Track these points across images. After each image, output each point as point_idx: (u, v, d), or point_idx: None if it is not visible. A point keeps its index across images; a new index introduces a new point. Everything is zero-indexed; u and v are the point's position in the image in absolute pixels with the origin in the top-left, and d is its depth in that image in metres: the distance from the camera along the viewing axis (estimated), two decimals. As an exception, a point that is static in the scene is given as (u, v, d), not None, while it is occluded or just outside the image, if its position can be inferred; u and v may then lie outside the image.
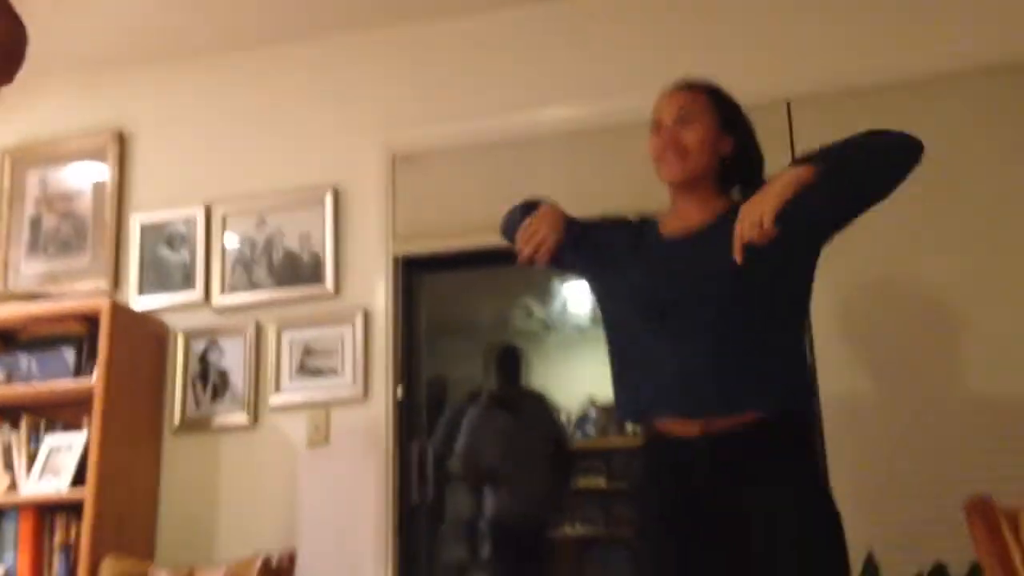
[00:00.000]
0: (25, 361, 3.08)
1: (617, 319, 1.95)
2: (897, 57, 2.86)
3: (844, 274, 2.74)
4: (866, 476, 2.61)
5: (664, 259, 1.89)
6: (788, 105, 2.91)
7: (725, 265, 1.70)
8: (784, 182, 1.67)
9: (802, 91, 2.91)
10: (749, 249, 1.65)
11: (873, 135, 1.81)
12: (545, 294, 5.66)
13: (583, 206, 3.00)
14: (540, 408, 4.37)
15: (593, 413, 5.78)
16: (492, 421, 4.25)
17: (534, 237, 1.88)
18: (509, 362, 4.49)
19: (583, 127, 3.09)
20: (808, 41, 2.96)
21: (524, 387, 4.55)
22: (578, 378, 5.56)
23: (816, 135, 2.83)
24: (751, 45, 3.01)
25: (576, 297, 5.58)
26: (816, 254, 1.88)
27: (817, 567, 1.67)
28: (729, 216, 1.85)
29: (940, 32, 2.86)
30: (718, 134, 1.92)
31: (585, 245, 2.00)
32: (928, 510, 2.52)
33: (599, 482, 5.60)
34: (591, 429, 5.79)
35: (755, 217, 1.63)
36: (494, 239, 3.07)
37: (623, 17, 3.15)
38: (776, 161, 2.81)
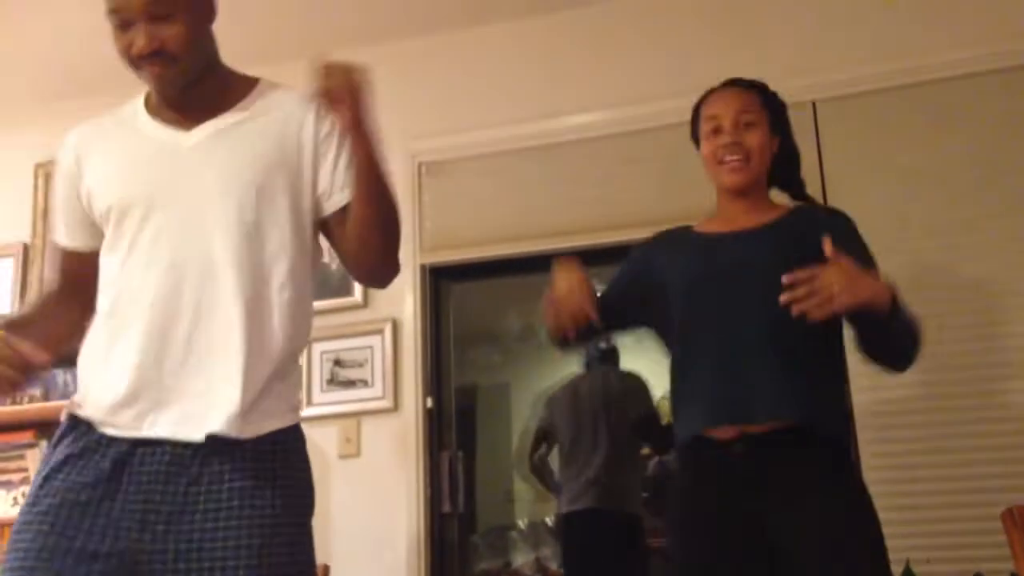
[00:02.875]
0: (61, 377, 3.13)
1: (676, 330, 1.89)
2: (923, 56, 2.84)
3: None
4: (903, 485, 2.57)
5: (711, 250, 1.86)
6: (814, 105, 2.89)
7: (777, 265, 1.65)
8: (875, 296, 1.59)
9: (828, 91, 2.89)
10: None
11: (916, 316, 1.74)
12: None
13: (608, 212, 3.02)
14: (628, 384, 4.09)
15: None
16: (567, 401, 4.07)
17: (565, 308, 1.79)
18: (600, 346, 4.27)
19: (607, 134, 3.09)
20: (833, 41, 2.94)
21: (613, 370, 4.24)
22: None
23: (842, 135, 2.84)
24: (776, 46, 2.99)
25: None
26: None
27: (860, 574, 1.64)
28: (791, 219, 1.83)
29: (965, 31, 2.83)
30: (771, 135, 1.90)
31: (624, 298, 1.97)
32: (967, 519, 2.49)
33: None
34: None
35: (834, 291, 1.55)
36: (520, 247, 3.11)
37: (645, 23, 3.15)
38: (803, 161, 2.80)
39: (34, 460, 3.05)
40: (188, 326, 1.42)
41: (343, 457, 3.06)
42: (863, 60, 2.88)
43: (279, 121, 1.55)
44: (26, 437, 3.10)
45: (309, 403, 3.13)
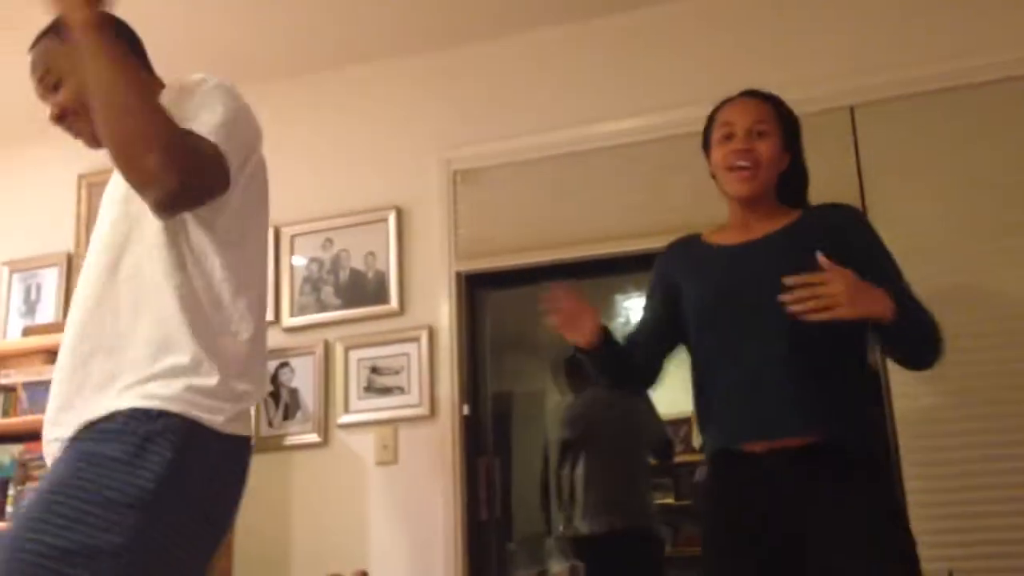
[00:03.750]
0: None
1: (697, 346, 1.90)
2: (962, 59, 2.80)
3: (918, 285, 2.68)
4: (945, 496, 2.53)
5: (725, 263, 1.86)
6: (852, 110, 2.86)
7: (797, 266, 1.66)
8: (874, 308, 1.63)
9: (866, 96, 2.86)
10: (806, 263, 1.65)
11: (927, 315, 1.76)
12: (607, 308, 5.64)
13: (643, 218, 3.01)
14: (646, 409, 4.22)
15: (659, 428, 5.72)
16: (589, 415, 4.13)
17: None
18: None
19: (641, 140, 3.08)
20: (871, 45, 2.91)
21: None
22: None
23: (880, 140, 2.82)
24: (813, 51, 2.97)
25: (639, 312, 5.54)
26: None
27: None
28: (802, 224, 1.82)
29: (1005, 34, 2.79)
30: (783, 148, 1.89)
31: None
32: (1009, 530, 2.45)
33: (667, 499, 5.53)
34: (657, 444, 5.73)
35: (836, 301, 1.59)
36: (555, 254, 3.11)
37: (678, 30, 3.14)
38: (840, 167, 2.79)
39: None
40: None
41: (380, 464, 3.08)
42: (902, 64, 2.85)
43: None
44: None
45: (347, 410, 3.15)
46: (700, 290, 1.87)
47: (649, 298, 2.02)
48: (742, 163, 1.83)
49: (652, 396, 4.06)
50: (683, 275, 1.93)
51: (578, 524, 3.92)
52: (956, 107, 2.77)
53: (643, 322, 2.02)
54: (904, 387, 2.59)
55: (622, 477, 3.91)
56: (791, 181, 1.92)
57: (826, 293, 1.59)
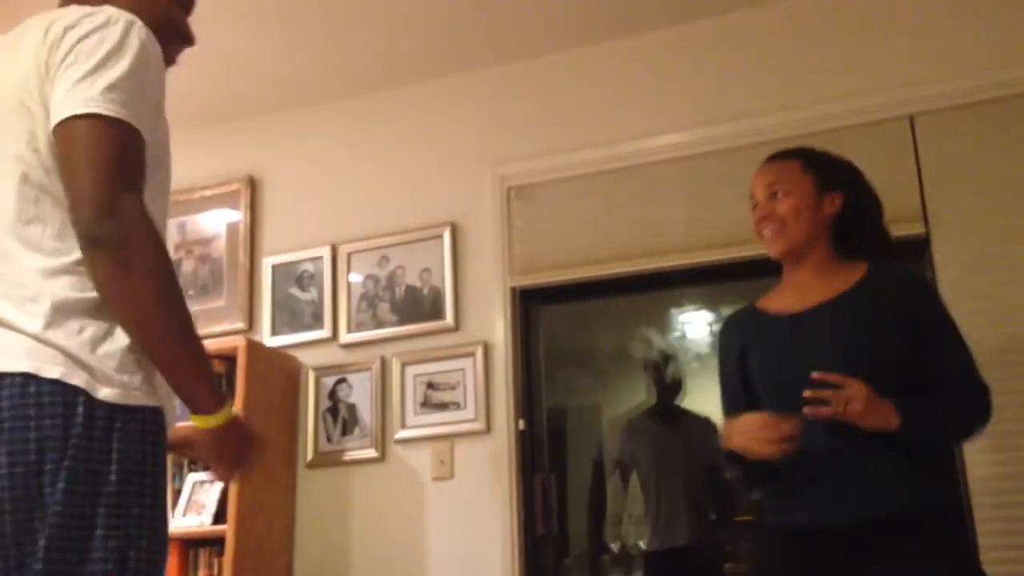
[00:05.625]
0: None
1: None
2: (1022, 67, 2.73)
3: (981, 298, 2.61)
4: (1020, 556, 2.45)
5: (788, 333, 1.84)
6: (911, 119, 2.81)
7: (849, 347, 1.70)
8: (879, 422, 1.66)
9: (925, 104, 2.81)
10: (872, 333, 1.74)
11: (962, 402, 1.76)
12: (664, 323, 5.60)
13: (694, 232, 2.99)
14: (703, 429, 4.20)
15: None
16: (649, 434, 4.15)
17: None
18: (668, 377, 4.31)
19: (694, 153, 3.07)
20: (930, 54, 2.86)
21: (686, 408, 4.34)
22: (699, 407, 5.46)
23: (941, 149, 2.76)
24: (870, 60, 2.93)
25: (695, 326, 5.49)
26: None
27: None
28: (865, 288, 1.80)
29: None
30: (817, 196, 1.87)
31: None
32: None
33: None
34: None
35: (845, 406, 1.64)
36: (609, 268, 3.11)
37: (733, 42, 3.12)
38: (901, 177, 2.74)
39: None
40: None
41: (437, 479, 3.10)
42: (962, 72, 2.80)
43: None
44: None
45: (403, 425, 3.18)
46: (771, 362, 1.85)
47: (727, 373, 1.98)
48: (766, 229, 1.90)
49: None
50: (750, 346, 1.92)
51: (637, 540, 3.91)
52: (1018, 114, 2.70)
53: (734, 401, 1.95)
54: (975, 452, 2.49)
55: (682, 493, 3.89)
56: (851, 219, 1.89)
57: (845, 396, 1.65)
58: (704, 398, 5.46)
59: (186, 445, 1.45)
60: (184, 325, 1.26)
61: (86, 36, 1.28)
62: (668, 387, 4.23)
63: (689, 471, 3.96)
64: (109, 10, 1.33)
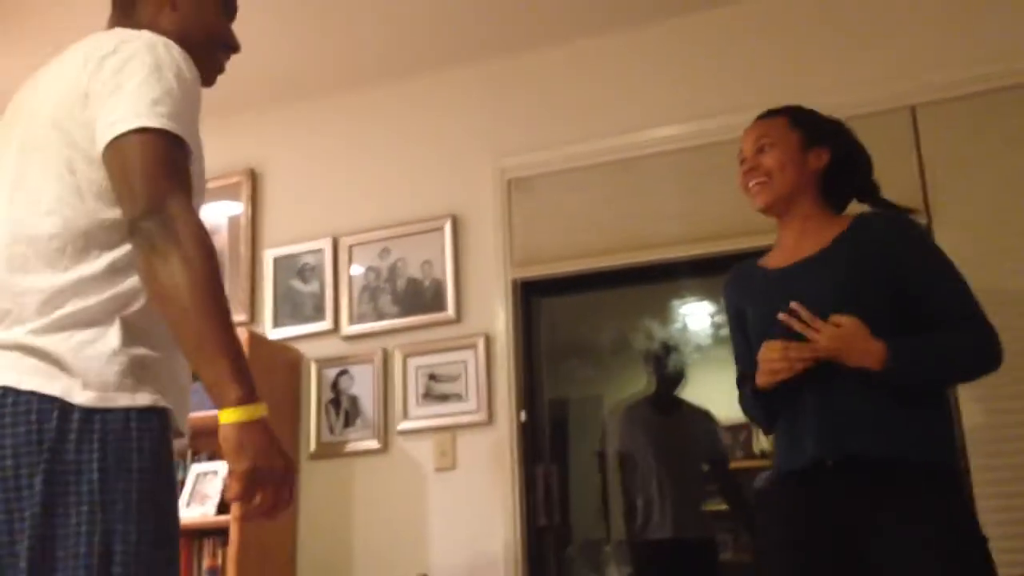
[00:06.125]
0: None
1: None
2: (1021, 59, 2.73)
3: (984, 287, 2.62)
4: (1015, 502, 2.47)
5: (774, 290, 1.86)
6: (913, 110, 2.82)
7: (840, 297, 1.71)
8: (864, 361, 1.69)
9: (926, 95, 2.81)
10: (856, 281, 1.76)
11: (964, 344, 1.75)
12: (665, 314, 5.61)
13: (696, 224, 3.00)
14: (702, 420, 4.19)
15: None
16: (645, 423, 4.16)
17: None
18: (669, 367, 4.32)
19: (693, 145, 3.07)
20: (931, 44, 2.86)
21: (685, 399, 4.35)
22: (700, 398, 5.46)
23: (943, 139, 2.76)
24: (871, 51, 2.93)
25: (696, 317, 5.50)
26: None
27: None
28: (847, 239, 1.82)
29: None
30: (803, 151, 1.90)
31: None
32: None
33: (725, 505, 5.46)
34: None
35: (818, 341, 1.70)
36: (609, 260, 3.11)
37: (729, 35, 3.12)
38: (902, 167, 2.75)
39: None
40: None
41: (439, 470, 3.12)
42: (963, 62, 2.80)
43: None
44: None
45: (405, 417, 3.19)
46: (757, 317, 1.89)
47: (732, 330, 2.02)
48: (752, 180, 1.92)
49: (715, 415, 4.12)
50: (744, 302, 1.97)
51: (638, 530, 3.93)
52: (1019, 105, 2.70)
53: (743, 355, 1.98)
54: (971, 401, 2.54)
55: (680, 483, 3.90)
56: (838, 173, 1.92)
57: (813, 338, 1.70)
58: (708, 389, 5.49)
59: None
60: (215, 312, 1.27)
61: (127, 60, 1.33)
62: (668, 376, 4.22)
63: (686, 462, 3.98)
64: (145, 35, 1.38)
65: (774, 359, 1.73)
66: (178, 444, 1.40)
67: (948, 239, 2.69)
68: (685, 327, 5.67)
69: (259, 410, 1.28)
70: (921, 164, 2.77)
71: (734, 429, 5.42)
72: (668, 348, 4.43)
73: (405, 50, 3.38)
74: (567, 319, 3.80)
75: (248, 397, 1.27)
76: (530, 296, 3.24)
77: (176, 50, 1.38)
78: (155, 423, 1.30)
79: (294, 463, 1.40)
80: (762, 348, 1.78)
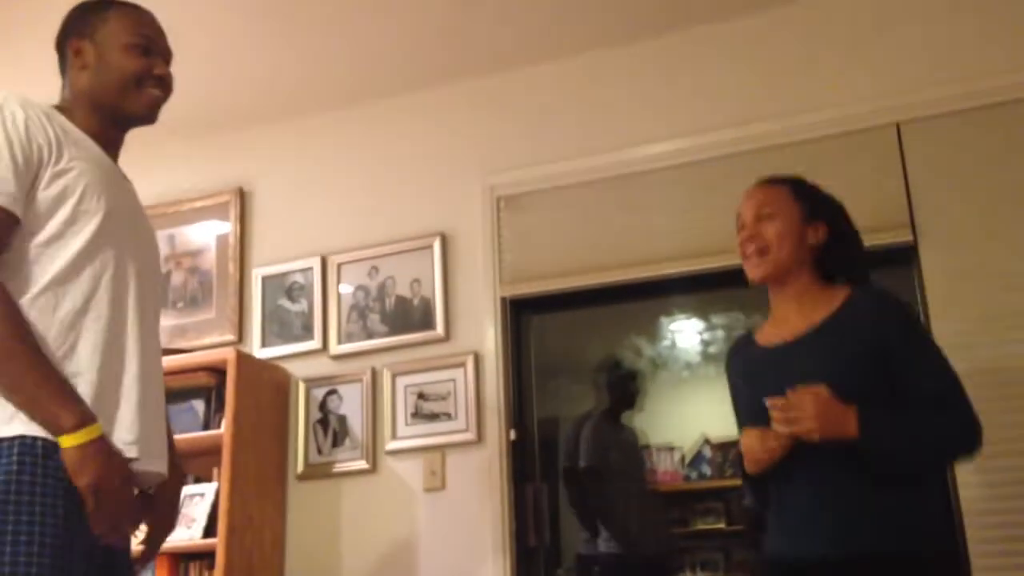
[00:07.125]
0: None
1: None
2: (1009, 75, 2.75)
3: (970, 306, 2.63)
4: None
5: (765, 372, 1.85)
6: (898, 127, 2.83)
7: (827, 377, 1.69)
8: (842, 429, 1.66)
9: (911, 113, 2.83)
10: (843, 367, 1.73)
11: (940, 422, 1.72)
12: (654, 332, 5.61)
13: (684, 240, 3.00)
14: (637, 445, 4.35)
15: (708, 452, 5.65)
16: (613, 432, 4.21)
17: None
18: (628, 385, 4.45)
19: (684, 162, 3.08)
20: (916, 62, 2.89)
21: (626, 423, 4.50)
22: (690, 416, 5.46)
23: (928, 157, 2.78)
24: (858, 69, 2.95)
25: (685, 335, 5.50)
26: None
27: None
28: (841, 317, 1.81)
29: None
30: (803, 224, 1.89)
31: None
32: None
33: (718, 524, 5.45)
34: (706, 469, 5.65)
35: (797, 422, 1.67)
36: (599, 277, 3.11)
37: (721, 52, 3.14)
38: (887, 185, 2.76)
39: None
40: None
41: (428, 490, 3.09)
42: (948, 79, 2.82)
43: None
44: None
45: (394, 436, 3.17)
46: (745, 396, 1.89)
47: (733, 402, 2.01)
48: (749, 249, 1.90)
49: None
50: (738, 378, 1.97)
51: (606, 545, 3.99)
52: (1004, 122, 2.72)
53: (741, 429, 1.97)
54: (969, 477, 2.46)
55: (643, 499, 4.00)
56: (834, 249, 1.90)
57: (795, 410, 1.67)
58: (697, 407, 5.48)
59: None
60: (18, 352, 1.39)
61: None
62: (623, 399, 4.36)
63: (641, 478, 4.10)
64: None
65: (755, 449, 1.73)
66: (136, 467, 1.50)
67: (933, 256, 2.71)
68: (675, 345, 5.67)
69: (94, 431, 1.41)
70: (907, 181, 2.79)
71: (723, 447, 5.42)
72: (633, 374, 4.61)
73: (393, 69, 3.38)
74: (557, 337, 3.79)
75: (82, 422, 1.40)
76: (519, 314, 3.23)
77: (9, 100, 1.50)
78: (34, 452, 1.38)
79: (132, 474, 1.50)
80: (742, 436, 1.79)
